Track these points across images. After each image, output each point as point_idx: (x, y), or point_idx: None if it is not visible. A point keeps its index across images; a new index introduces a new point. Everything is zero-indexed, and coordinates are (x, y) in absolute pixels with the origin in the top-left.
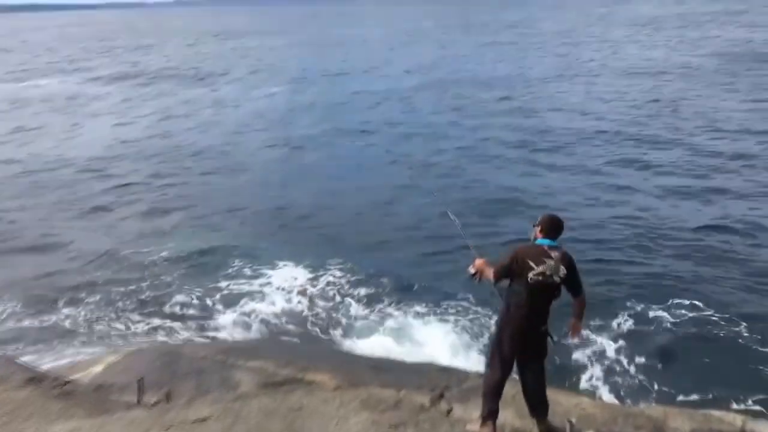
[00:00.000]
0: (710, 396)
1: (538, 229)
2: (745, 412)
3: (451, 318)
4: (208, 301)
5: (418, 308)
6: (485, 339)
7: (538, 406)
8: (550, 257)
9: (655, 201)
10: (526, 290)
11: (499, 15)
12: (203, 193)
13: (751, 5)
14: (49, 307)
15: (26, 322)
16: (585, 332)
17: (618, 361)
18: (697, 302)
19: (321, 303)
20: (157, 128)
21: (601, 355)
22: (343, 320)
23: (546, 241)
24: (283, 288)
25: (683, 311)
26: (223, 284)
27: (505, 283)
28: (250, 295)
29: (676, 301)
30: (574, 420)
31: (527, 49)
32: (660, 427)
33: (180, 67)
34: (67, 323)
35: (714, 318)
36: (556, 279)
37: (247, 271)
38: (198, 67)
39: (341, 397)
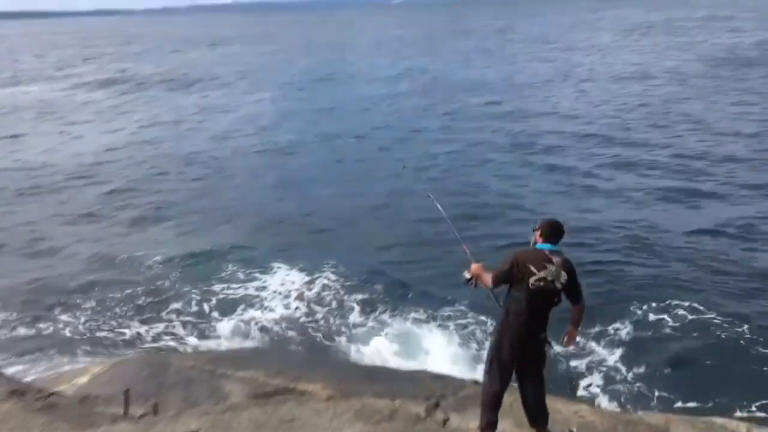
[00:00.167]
0: (712, 402)
1: (538, 233)
2: (749, 419)
3: (446, 324)
4: (202, 307)
5: (412, 314)
6: (480, 345)
7: (537, 416)
8: (551, 262)
9: (649, 203)
10: (526, 296)
11: (485, 21)
12: (194, 198)
13: (736, 11)
14: (37, 315)
15: (12, 332)
16: (580, 339)
17: (617, 368)
18: (696, 305)
19: (314, 309)
20: (145, 134)
21: (599, 362)
22: (336, 327)
23: (547, 246)
24: (277, 293)
25: (682, 315)
26: (216, 290)
27: (503, 288)
28: (244, 300)
29: (675, 303)
30: (574, 429)
31: (516, 55)
32: None
33: (167, 74)
34: (55, 332)
35: (715, 321)
36: (558, 285)
37: (241, 276)
38: (185, 73)
39: (334, 408)
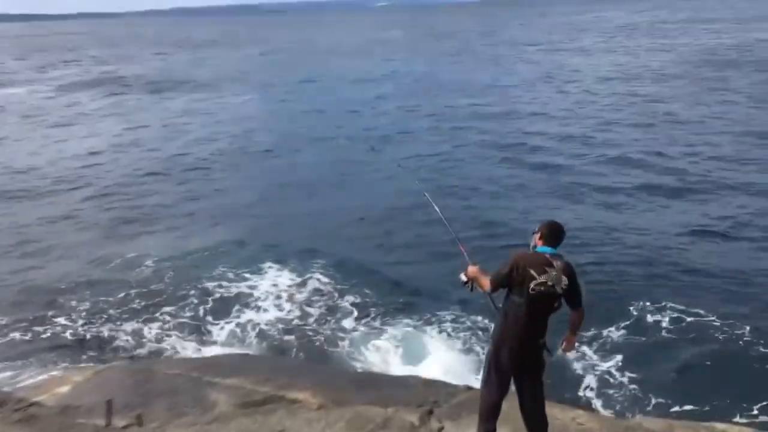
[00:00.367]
0: (712, 406)
1: (538, 236)
2: (750, 424)
3: (440, 328)
4: (190, 312)
5: (404, 318)
6: (475, 350)
7: (536, 425)
8: (552, 266)
9: (641, 203)
10: (526, 301)
11: (468, 25)
12: (180, 200)
13: (719, 14)
14: (19, 321)
15: None
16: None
17: (613, 372)
18: (693, 308)
19: (304, 312)
20: (131, 137)
21: (596, 366)
22: (327, 331)
23: (547, 249)
24: (267, 296)
25: (679, 317)
26: (204, 293)
27: (501, 292)
28: (232, 304)
29: (671, 306)
30: None
31: (500, 57)
32: None
33: (151, 76)
34: (36, 338)
35: (713, 323)
36: (558, 290)
37: (230, 278)
38: (169, 76)
39: (326, 418)
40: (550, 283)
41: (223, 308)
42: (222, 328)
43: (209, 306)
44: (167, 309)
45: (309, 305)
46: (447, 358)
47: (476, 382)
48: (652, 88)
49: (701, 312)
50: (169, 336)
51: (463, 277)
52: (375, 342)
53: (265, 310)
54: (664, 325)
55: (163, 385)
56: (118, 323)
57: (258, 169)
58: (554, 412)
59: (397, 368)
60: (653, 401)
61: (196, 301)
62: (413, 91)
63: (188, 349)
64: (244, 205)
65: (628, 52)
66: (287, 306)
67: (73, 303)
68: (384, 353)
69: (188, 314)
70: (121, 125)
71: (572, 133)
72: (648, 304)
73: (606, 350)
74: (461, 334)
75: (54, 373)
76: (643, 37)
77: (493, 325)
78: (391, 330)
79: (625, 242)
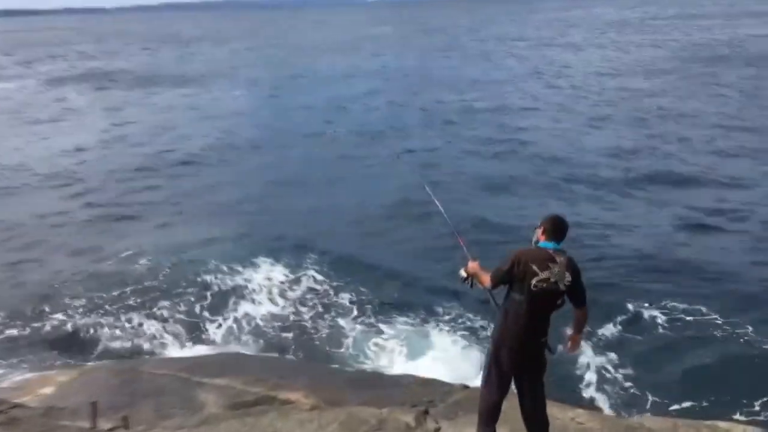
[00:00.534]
0: (715, 404)
1: (541, 230)
2: (752, 423)
3: (436, 326)
4: (178, 310)
5: (400, 315)
6: (473, 348)
7: (537, 426)
8: (555, 262)
9: (638, 198)
10: (527, 298)
11: (460, 20)
12: (170, 196)
13: (707, 10)
14: (5, 320)
15: None
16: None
17: (613, 370)
18: (693, 305)
19: (296, 310)
20: (118, 132)
21: (595, 364)
22: (319, 329)
23: (550, 245)
24: (259, 293)
25: (680, 314)
26: (194, 291)
27: (502, 289)
28: (223, 301)
29: (671, 302)
30: None
31: (491, 52)
32: None
33: (139, 72)
34: (21, 337)
35: (716, 321)
36: (561, 287)
37: (222, 275)
38: (158, 70)
39: (319, 419)
40: (552, 280)
41: (214, 305)
42: (213, 325)
43: (200, 303)
44: (157, 307)
45: (303, 302)
46: (444, 357)
47: (473, 380)
48: (643, 83)
49: (702, 309)
50: (157, 334)
51: (463, 273)
52: (370, 340)
53: (258, 307)
54: (663, 322)
55: (151, 385)
56: (106, 321)
57: (249, 164)
58: (553, 411)
59: (392, 367)
60: (654, 400)
61: (186, 298)
62: (404, 87)
63: (177, 347)
64: (236, 200)
65: (618, 47)
66: (281, 303)
67: (60, 301)
68: (379, 351)
69: (178, 312)
70: (109, 121)
71: (565, 128)
72: (647, 301)
73: (605, 348)
74: (460, 333)
75: (38, 373)
76: (634, 32)
77: (493, 324)
78: (387, 327)
79: (623, 238)
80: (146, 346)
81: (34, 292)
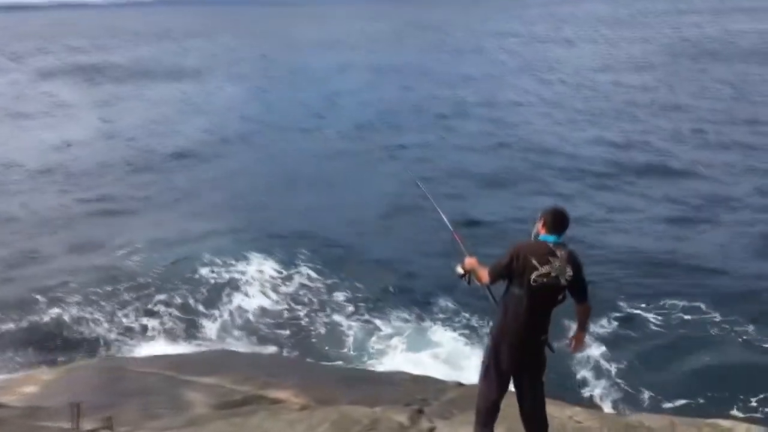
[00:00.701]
0: (714, 402)
1: (541, 223)
2: (753, 420)
3: (432, 323)
4: (166, 306)
5: (394, 312)
6: (469, 346)
7: (536, 426)
8: (555, 256)
9: (629, 194)
10: (527, 294)
11: (454, 16)
12: (161, 191)
13: (695, 6)
14: None
15: None
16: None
17: (612, 367)
18: (691, 302)
19: (286, 307)
20: (109, 126)
21: (592, 361)
22: (309, 326)
23: (551, 238)
24: (250, 289)
25: (678, 312)
26: (184, 287)
27: (501, 285)
28: (212, 297)
29: (669, 301)
30: None
31: (485, 47)
32: None
33: (131, 66)
34: (4, 335)
35: (715, 318)
36: (562, 281)
37: (215, 269)
38: (150, 65)
39: (309, 419)
40: (553, 274)
41: (205, 301)
42: (204, 321)
43: (191, 299)
44: (146, 302)
45: (296, 298)
46: (439, 354)
47: (468, 378)
48: (635, 77)
49: (701, 307)
50: (147, 330)
51: (460, 270)
52: (363, 336)
53: (251, 303)
54: (661, 319)
55: (137, 384)
56: (94, 317)
57: (241, 159)
58: (550, 409)
59: (385, 364)
60: (653, 398)
61: (176, 294)
62: (397, 82)
63: (166, 343)
64: (228, 195)
65: (609, 43)
66: (273, 298)
67: (49, 297)
68: (372, 348)
69: (168, 307)
70: (101, 115)
71: (558, 122)
72: (644, 297)
73: (602, 345)
74: (455, 329)
75: (22, 371)
76: (624, 28)
77: (490, 320)
78: (380, 324)
79: (618, 233)
80: (135, 342)
81: (21, 288)
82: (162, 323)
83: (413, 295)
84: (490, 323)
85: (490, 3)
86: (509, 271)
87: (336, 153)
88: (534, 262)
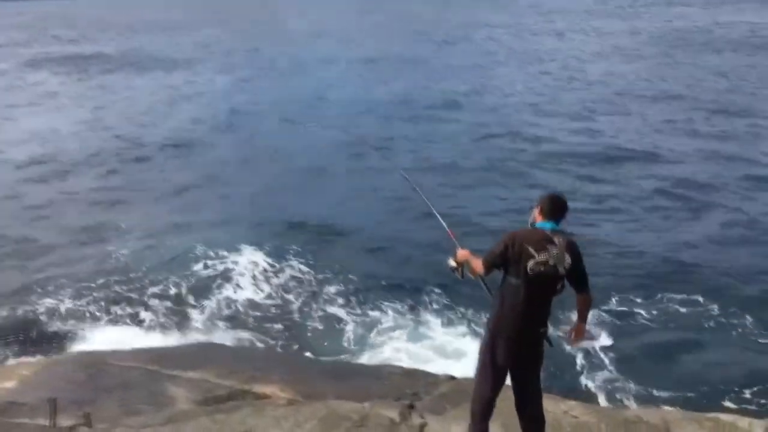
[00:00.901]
0: (714, 395)
1: (538, 210)
2: (755, 414)
3: (423, 316)
4: (150, 298)
5: (384, 305)
6: (463, 339)
7: (532, 422)
8: (553, 243)
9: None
10: (524, 283)
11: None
12: (150, 182)
13: None
14: None
15: None
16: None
17: (608, 360)
18: (689, 295)
19: (273, 299)
20: (97, 117)
21: (588, 354)
22: (299, 318)
23: (548, 225)
24: (237, 281)
25: (674, 305)
26: (171, 278)
27: (496, 276)
28: (197, 287)
29: (667, 295)
30: None
31: (470, 37)
32: None
33: (117, 56)
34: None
35: (712, 311)
36: (561, 270)
37: (202, 261)
38: (137, 55)
39: (296, 415)
40: (551, 263)
41: (191, 293)
42: (190, 312)
43: (175, 291)
44: (131, 294)
45: (284, 290)
46: (430, 347)
47: (460, 371)
48: (625, 67)
49: (698, 298)
50: (131, 322)
51: (452, 262)
52: (352, 329)
53: (239, 294)
54: (658, 312)
55: (118, 379)
56: (78, 309)
57: (229, 150)
58: (545, 403)
59: (375, 357)
60: (651, 391)
61: (161, 286)
62: (384, 73)
63: (150, 335)
64: (217, 185)
65: (599, 33)
66: (262, 290)
67: (30, 288)
68: (361, 341)
69: (153, 299)
70: (88, 105)
71: (548, 112)
72: (640, 289)
73: (600, 337)
74: (448, 323)
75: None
76: (614, 18)
77: (481, 312)
78: (371, 317)
79: (612, 224)
80: (118, 334)
81: (3, 280)
82: (147, 315)
83: (405, 287)
84: (486, 316)
85: None
86: (504, 259)
87: (325, 144)
88: (530, 249)
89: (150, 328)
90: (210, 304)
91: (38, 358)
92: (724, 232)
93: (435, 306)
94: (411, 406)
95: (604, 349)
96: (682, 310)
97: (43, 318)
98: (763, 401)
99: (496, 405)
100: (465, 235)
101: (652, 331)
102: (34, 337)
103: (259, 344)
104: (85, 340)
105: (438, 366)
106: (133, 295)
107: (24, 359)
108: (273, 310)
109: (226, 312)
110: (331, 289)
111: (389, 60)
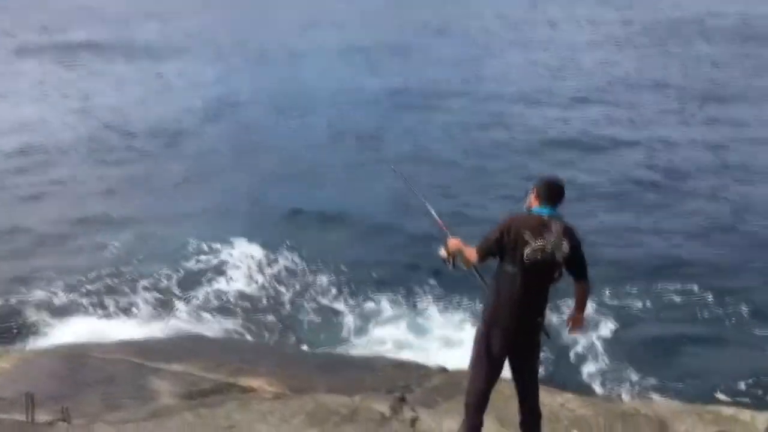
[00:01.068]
0: (712, 387)
1: (534, 194)
2: (756, 407)
3: (414, 307)
4: (136, 288)
5: (374, 296)
6: (451, 329)
7: (528, 415)
8: (549, 230)
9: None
10: (520, 271)
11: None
12: (140, 172)
13: None
14: None
15: None
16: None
17: (605, 352)
18: (684, 284)
19: (267, 290)
20: (83, 108)
21: (585, 345)
22: (288, 310)
23: (545, 210)
24: (225, 272)
25: (671, 295)
26: (157, 269)
27: (491, 265)
28: (184, 279)
29: (663, 285)
30: None
31: (464, 27)
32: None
33: (105, 45)
34: None
35: (708, 300)
36: (558, 257)
37: (194, 253)
38: (127, 45)
39: (283, 410)
40: (548, 249)
41: (179, 284)
42: (177, 303)
43: (163, 282)
44: (114, 286)
45: (276, 281)
46: (422, 339)
47: (453, 363)
48: (618, 56)
49: (696, 288)
50: (113, 315)
51: (443, 253)
52: (342, 320)
53: (228, 287)
54: (654, 303)
55: (99, 372)
56: (57, 301)
57: (221, 140)
58: (541, 396)
59: (365, 349)
60: (650, 383)
61: (148, 277)
62: (377, 62)
63: (133, 328)
64: (208, 177)
65: (592, 23)
66: (254, 280)
67: (9, 279)
68: (351, 332)
69: (136, 291)
70: (76, 94)
71: (539, 100)
72: (635, 279)
73: (596, 328)
74: (440, 313)
75: None
76: (607, 8)
77: (475, 302)
78: (361, 308)
79: (608, 214)
80: (104, 326)
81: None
82: (135, 307)
83: (398, 278)
84: (480, 305)
85: None
86: (500, 246)
87: (318, 134)
88: (527, 236)
89: (138, 320)
90: (200, 295)
91: (19, 350)
92: (718, 220)
93: (429, 296)
94: (402, 399)
95: (601, 340)
96: (678, 300)
97: (26, 309)
98: (760, 393)
99: (489, 398)
100: (456, 225)
101: (648, 322)
102: (16, 329)
103: (249, 336)
104: (70, 332)
105: (431, 357)
106: (122, 287)
107: (4, 351)
108: (264, 301)
109: (216, 303)
110: (324, 280)
111: (382, 49)
